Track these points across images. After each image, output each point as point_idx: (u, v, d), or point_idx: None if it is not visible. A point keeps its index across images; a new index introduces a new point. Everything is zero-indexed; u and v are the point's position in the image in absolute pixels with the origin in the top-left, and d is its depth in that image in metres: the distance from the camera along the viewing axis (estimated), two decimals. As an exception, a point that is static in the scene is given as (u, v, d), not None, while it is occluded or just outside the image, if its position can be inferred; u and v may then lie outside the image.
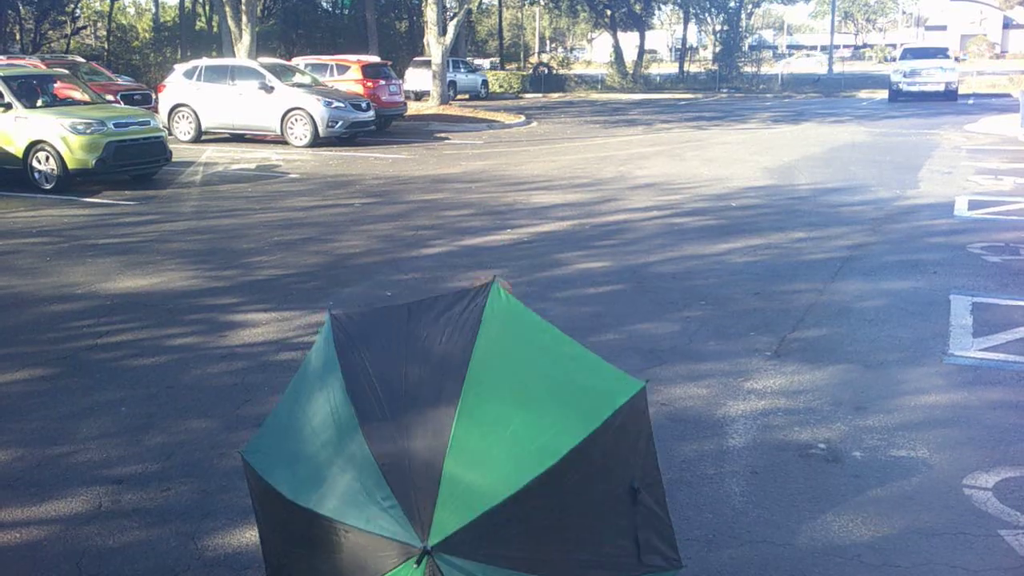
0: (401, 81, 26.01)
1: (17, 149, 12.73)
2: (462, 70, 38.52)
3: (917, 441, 4.57)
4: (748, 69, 47.01)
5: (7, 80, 13.16)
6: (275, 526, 2.74)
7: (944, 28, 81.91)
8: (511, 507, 2.36)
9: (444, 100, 28.62)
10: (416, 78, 34.08)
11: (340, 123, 18.90)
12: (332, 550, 2.48)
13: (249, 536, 3.70)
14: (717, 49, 50.61)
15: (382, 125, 22.01)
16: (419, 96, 31.97)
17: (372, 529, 2.39)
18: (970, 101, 30.86)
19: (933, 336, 6.20)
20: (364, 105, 19.85)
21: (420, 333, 2.69)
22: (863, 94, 37.83)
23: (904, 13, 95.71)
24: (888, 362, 5.72)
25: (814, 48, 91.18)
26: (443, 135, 22.06)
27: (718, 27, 49.98)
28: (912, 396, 5.17)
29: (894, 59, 36.98)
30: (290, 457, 2.65)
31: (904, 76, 31.81)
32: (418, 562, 2.32)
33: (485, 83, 40.45)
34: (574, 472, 2.45)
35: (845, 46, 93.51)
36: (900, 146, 17.77)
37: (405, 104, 24.82)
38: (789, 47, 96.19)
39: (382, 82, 23.10)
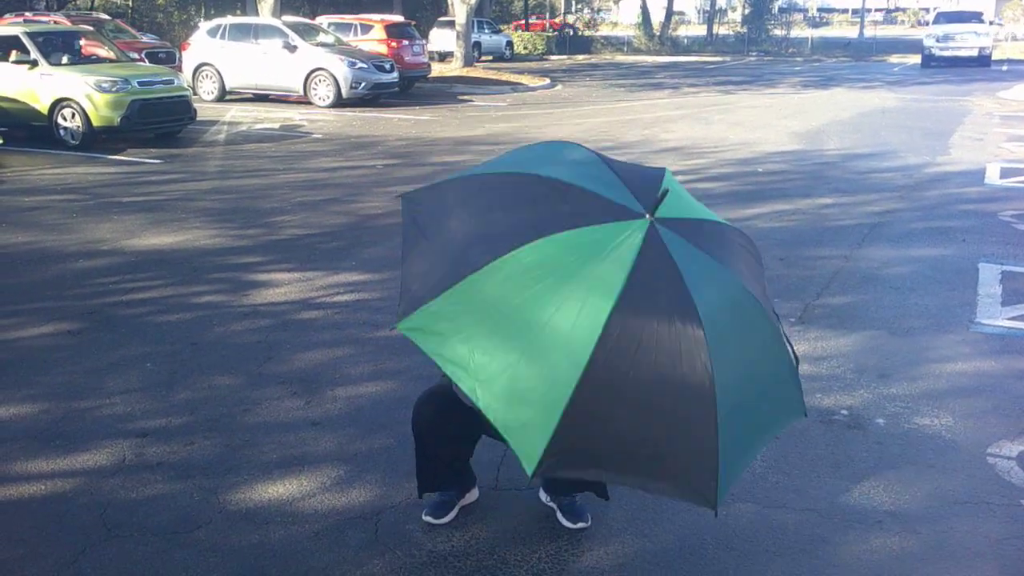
0: (425, 41, 25.81)
1: (43, 106, 12.78)
2: (486, 31, 38.18)
3: (941, 409, 4.53)
4: (778, 32, 46.29)
5: (33, 36, 13.18)
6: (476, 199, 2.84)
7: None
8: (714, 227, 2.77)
9: (468, 61, 28.42)
10: (440, 39, 33.82)
11: (363, 84, 18.82)
12: (556, 199, 2.65)
13: (271, 491, 3.73)
14: (746, 11, 49.83)
15: (405, 86, 21.89)
16: (443, 57, 31.76)
17: (604, 193, 2.64)
18: (1004, 67, 30.29)
19: (960, 304, 6.13)
20: (387, 66, 19.74)
21: None
22: (894, 59, 37.20)
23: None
24: (914, 330, 5.66)
25: (845, 11, 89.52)
26: (466, 97, 21.92)
27: (747, -11, 49.15)
28: (937, 364, 5.12)
29: (927, 23, 36.28)
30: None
31: (937, 41, 31.24)
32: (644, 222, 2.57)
33: (510, 44, 40.08)
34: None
35: (877, 9, 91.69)
36: (931, 112, 17.49)
37: (429, 65, 24.64)
38: (820, 10, 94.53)
39: (406, 42, 22.93)
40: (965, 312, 5.98)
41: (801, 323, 5.78)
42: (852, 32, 58.30)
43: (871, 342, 5.47)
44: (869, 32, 55.06)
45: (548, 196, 2.65)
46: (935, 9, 43.56)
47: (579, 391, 2.31)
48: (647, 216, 2.58)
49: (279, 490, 3.75)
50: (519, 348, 2.41)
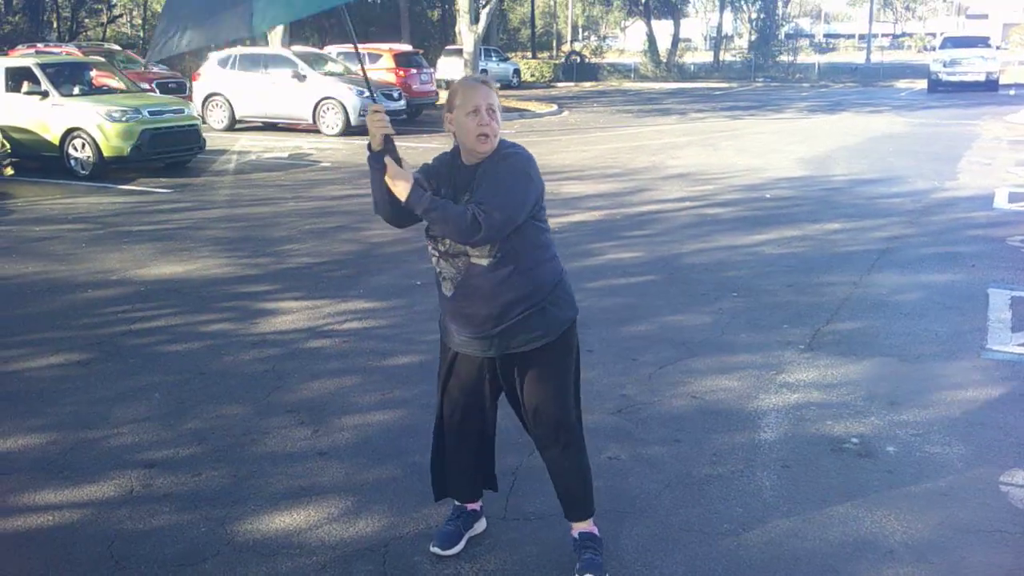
0: (433, 70, 25.99)
1: (54, 136, 12.89)
2: (494, 59, 38.45)
3: (953, 437, 4.49)
4: (784, 58, 46.52)
5: (44, 68, 13.32)
6: None
7: (985, 17, 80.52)
8: None
9: (476, 89, 28.54)
10: (448, 67, 34.05)
11: (372, 112, 18.90)
12: None
13: (279, 523, 3.71)
14: (753, 38, 50.12)
15: (413, 114, 22.03)
16: (450, 84, 31.95)
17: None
18: (1011, 91, 30.31)
19: (971, 330, 6.10)
20: (395, 94, 19.89)
21: None
22: (902, 84, 37.30)
23: (945, 1, 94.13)
24: (924, 356, 5.63)
25: (851, 37, 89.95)
26: (475, 124, 21.98)
27: (754, 15, 49.50)
28: (948, 391, 5.09)
29: (933, 48, 36.47)
30: None
31: (944, 66, 31.32)
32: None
33: (517, 72, 40.34)
34: None
35: (884, 35, 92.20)
36: (939, 137, 17.50)
37: (437, 93, 24.81)
38: (826, 36, 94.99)
39: (414, 71, 23.11)
40: (976, 338, 5.94)
41: (810, 350, 5.76)
42: (859, 58, 58.52)
43: (881, 369, 5.44)
44: (876, 57, 55.27)
45: None
46: (942, 34, 43.74)
47: None
48: None
49: (287, 521, 3.73)
50: None
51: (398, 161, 3.03)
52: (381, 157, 3.04)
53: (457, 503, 3.58)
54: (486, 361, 3.30)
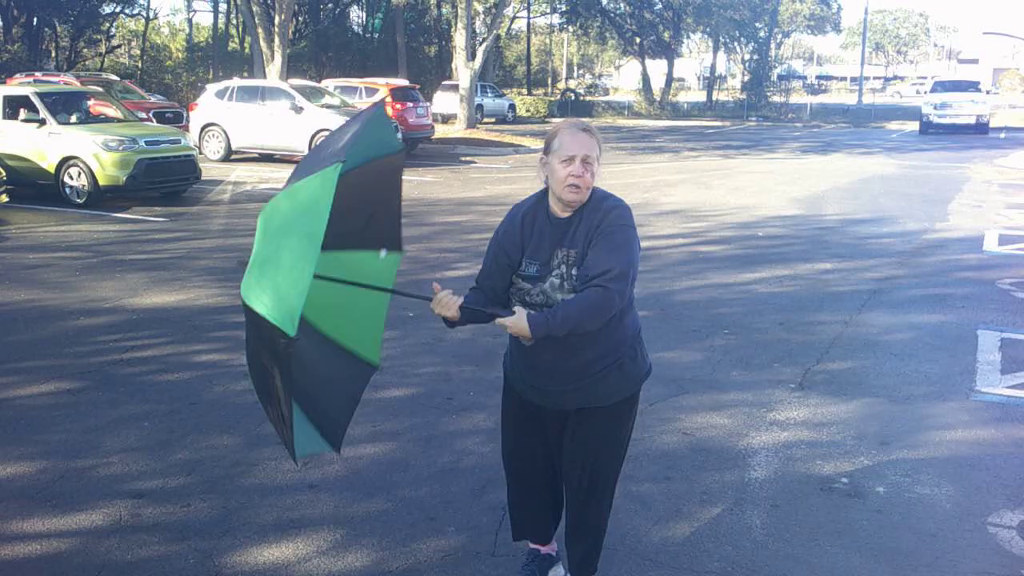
0: (429, 104, 26.20)
1: (50, 164, 12.93)
2: (489, 94, 38.78)
3: (941, 478, 4.51)
4: (776, 99, 47.00)
5: (42, 96, 13.40)
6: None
7: (976, 61, 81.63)
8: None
9: (471, 124, 28.82)
10: (444, 101, 34.34)
11: (368, 145, 19.04)
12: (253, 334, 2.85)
13: (267, 555, 3.70)
14: (746, 78, 50.67)
15: (409, 147, 22.14)
16: (446, 119, 32.21)
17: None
18: (1002, 135, 30.65)
19: (960, 372, 6.13)
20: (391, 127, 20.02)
21: None
22: (893, 125, 37.67)
23: (936, 46, 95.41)
24: (914, 397, 5.66)
25: (843, 79, 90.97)
26: (469, 158, 22.15)
27: (747, 56, 50.09)
28: (937, 432, 5.11)
29: (921, 89, 36.90)
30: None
31: (935, 108, 31.71)
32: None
33: (512, 107, 40.67)
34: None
35: (875, 77, 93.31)
36: (930, 179, 17.66)
37: (432, 127, 24.97)
38: (819, 77, 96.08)
39: (410, 105, 23.26)
40: (965, 380, 5.98)
41: (801, 389, 5.78)
42: (851, 99, 59.17)
43: (871, 409, 5.46)
44: (867, 99, 55.88)
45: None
46: (932, 78, 44.33)
47: None
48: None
49: (275, 554, 3.72)
50: None
51: (487, 315, 2.88)
52: (463, 323, 2.92)
53: (531, 545, 3.50)
54: (556, 411, 3.19)
